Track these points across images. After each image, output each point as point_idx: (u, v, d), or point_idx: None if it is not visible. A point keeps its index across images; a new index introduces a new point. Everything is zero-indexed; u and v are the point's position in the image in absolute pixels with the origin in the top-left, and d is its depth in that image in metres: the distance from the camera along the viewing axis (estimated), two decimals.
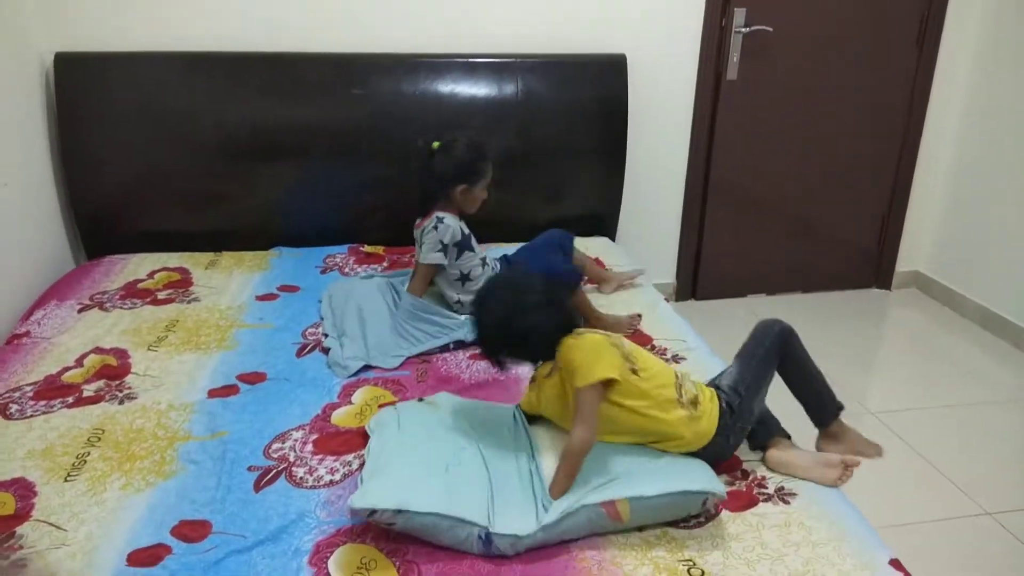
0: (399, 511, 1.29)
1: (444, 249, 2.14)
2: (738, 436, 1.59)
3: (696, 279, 3.41)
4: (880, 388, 2.84)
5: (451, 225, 2.14)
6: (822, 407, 1.68)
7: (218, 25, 2.68)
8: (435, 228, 2.13)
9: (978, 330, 3.22)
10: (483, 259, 2.25)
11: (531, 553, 1.33)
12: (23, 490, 1.48)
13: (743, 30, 3.01)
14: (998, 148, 3.14)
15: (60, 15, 2.57)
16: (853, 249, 3.53)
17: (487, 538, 1.30)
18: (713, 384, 1.62)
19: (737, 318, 3.22)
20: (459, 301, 2.19)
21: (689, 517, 1.41)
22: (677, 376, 1.56)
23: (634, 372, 1.47)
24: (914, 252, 3.55)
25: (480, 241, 2.83)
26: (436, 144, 2.17)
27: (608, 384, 1.43)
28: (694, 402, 1.52)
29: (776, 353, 1.62)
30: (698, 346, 2.09)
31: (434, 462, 1.43)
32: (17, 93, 2.45)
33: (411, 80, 2.78)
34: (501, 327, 1.51)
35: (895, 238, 3.50)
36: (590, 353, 1.45)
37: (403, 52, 2.80)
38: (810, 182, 3.34)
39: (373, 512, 1.30)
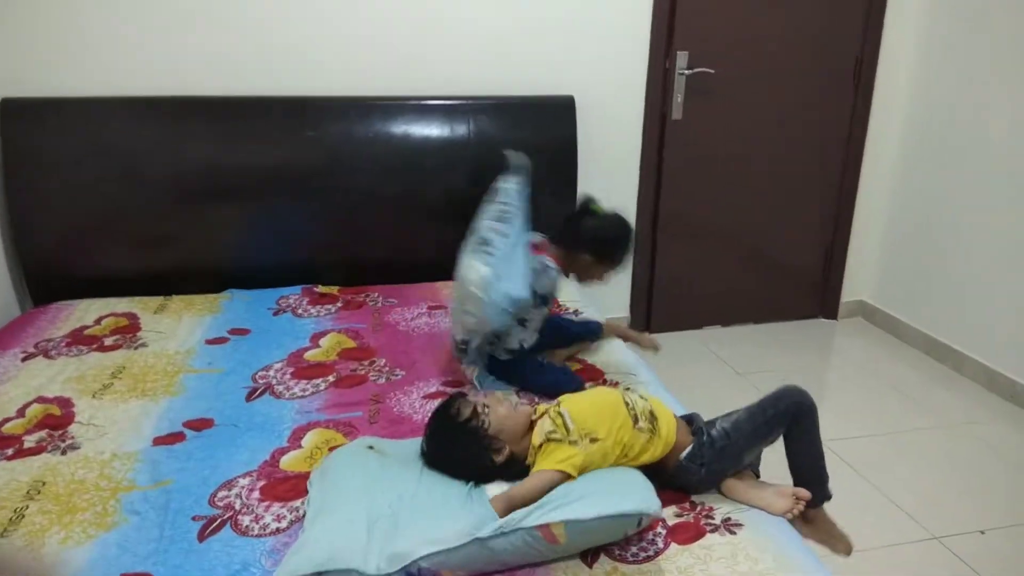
0: (319, 573, 1.26)
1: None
2: (714, 475, 1.60)
3: (649, 312, 3.47)
4: (827, 416, 2.87)
5: (553, 279, 2.01)
6: (817, 490, 1.63)
7: (167, 68, 2.69)
8: (534, 270, 1.92)
9: (922, 357, 3.32)
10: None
11: None
12: None
13: (686, 72, 3.11)
14: (937, 179, 3.27)
15: (5, 61, 2.55)
16: (800, 280, 3.62)
17: (414, 573, 1.29)
18: (711, 422, 1.65)
19: (690, 350, 3.28)
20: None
21: (638, 552, 1.42)
22: (626, 402, 1.59)
23: (593, 441, 1.51)
24: (858, 282, 3.66)
25: (434, 280, 2.88)
26: (595, 206, 2.07)
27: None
28: (649, 417, 1.57)
29: (787, 419, 1.61)
30: (650, 380, 2.12)
31: (371, 509, 1.42)
32: None
33: (364, 122, 2.81)
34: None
35: (839, 269, 3.61)
36: (549, 455, 1.50)
37: (355, 95, 2.83)
38: (756, 216, 3.44)
39: None
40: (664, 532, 1.48)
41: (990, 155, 2.99)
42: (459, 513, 1.40)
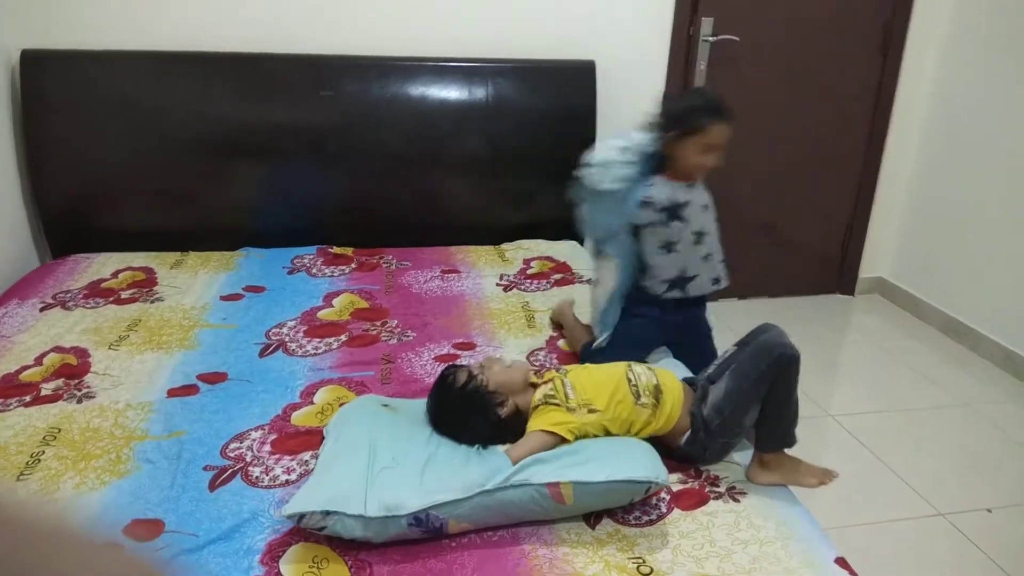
0: (327, 512, 1.29)
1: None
2: (720, 449, 1.60)
3: None
4: (841, 392, 2.89)
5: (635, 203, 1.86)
6: (778, 435, 1.59)
7: (189, 24, 2.68)
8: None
9: (938, 335, 3.29)
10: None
11: (483, 550, 1.34)
12: None
13: (710, 39, 3.05)
14: (960, 158, 3.21)
15: (27, 12, 2.55)
16: (818, 255, 3.58)
17: (422, 519, 1.31)
18: (700, 382, 1.63)
19: None
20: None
21: (640, 515, 1.44)
22: (629, 378, 1.58)
23: (592, 411, 1.51)
24: (877, 259, 3.61)
25: (448, 244, 2.88)
26: None
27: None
28: (654, 392, 1.56)
29: (772, 376, 1.55)
30: (660, 349, 2.11)
31: (376, 458, 1.44)
32: None
33: (381, 83, 2.80)
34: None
35: (859, 244, 3.56)
36: (544, 416, 1.51)
37: (374, 55, 2.81)
38: (776, 188, 3.39)
39: (302, 517, 1.30)
40: (668, 498, 1.50)
41: (1015, 134, 2.92)
42: (468, 467, 1.41)
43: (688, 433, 1.57)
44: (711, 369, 1.66)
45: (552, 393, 1.54)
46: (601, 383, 1.57)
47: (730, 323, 3.30)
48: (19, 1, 2.53)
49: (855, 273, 3.62)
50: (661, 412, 1.56)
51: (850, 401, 2.77)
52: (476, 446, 1.50)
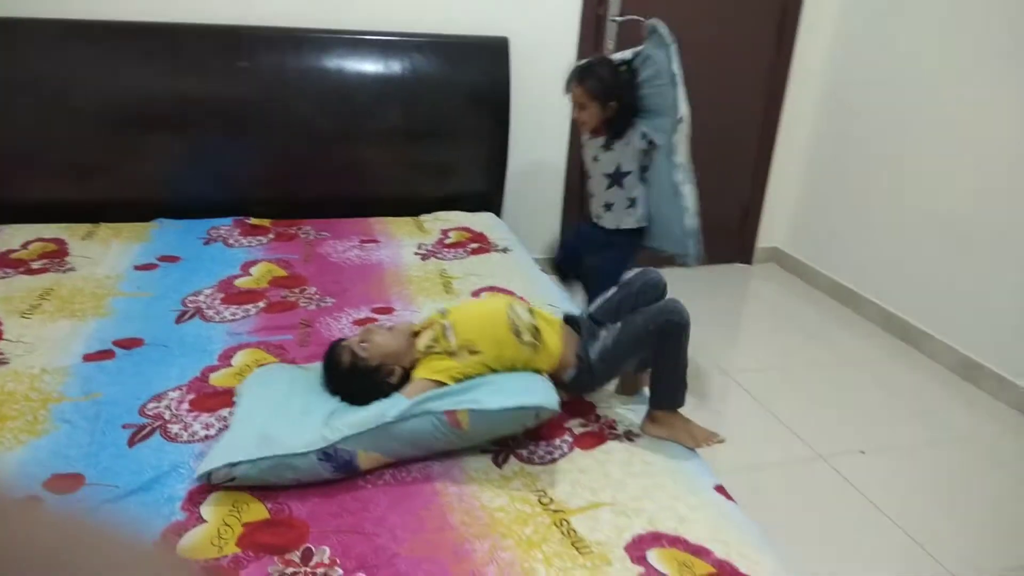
0: (232, 464, 1.37)
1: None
2: (601, 383, 1.75)
3: None
4: (736, 351, 3.11)
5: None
6: (667, 397, 1.68)
7: None
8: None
9: (827, 299, 3.56)
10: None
11: (396, 488, 1.44)
12: None
13: (618, 19, 3.19)
14: (848, 136, 3.47)
15: None
16: (719, 227, 3.79)
17: (331, 454, 1.40)
18: (584, 322, 1.76)
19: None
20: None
21: (544, 455, 1.56)
22: (509, 314, 1.65)
23: (473, 353, 1.59)
24: (773, 230, 3.86)
25: (368, 216, 2.94)
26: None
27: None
28: (534, 333, 1.65)
29: (661, 339, 1.63)
30: (569, 308, 2.24)
31: (290, 404, 1.52)
32: None
33: (297, 55, 2.82)
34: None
35: (756, 217, 3.80)
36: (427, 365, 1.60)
37: (290, 26, 2.83)
38: None
39: (209, 475, 1.37)
40: (571, 440, 1.63)
41: (901, 110, 3.18)
42: (370, 407, 1.50)
43: (574, 371, 1.69)
44: (594, 308, 1.80)
45: (431, 344, 1.62)
46: (484, 322, 1.65)
47: None
48: None
49: (752, 243, 3.86)
50: (544, 351, 1.65)
51: (743, 359, 2.99)
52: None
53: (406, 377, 1.62)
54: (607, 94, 2.30)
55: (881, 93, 3.26)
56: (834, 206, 3.57)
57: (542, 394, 1.53)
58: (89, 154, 2.68)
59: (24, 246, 2.43)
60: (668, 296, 1.77)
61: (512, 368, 1.63)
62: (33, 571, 0.36)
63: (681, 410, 1.70)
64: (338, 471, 1.42)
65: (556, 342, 1.69)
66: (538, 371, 1.64)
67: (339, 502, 1.40)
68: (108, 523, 0.42)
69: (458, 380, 1.57)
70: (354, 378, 1.60)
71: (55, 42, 2.59)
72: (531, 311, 1.72)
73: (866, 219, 3.38)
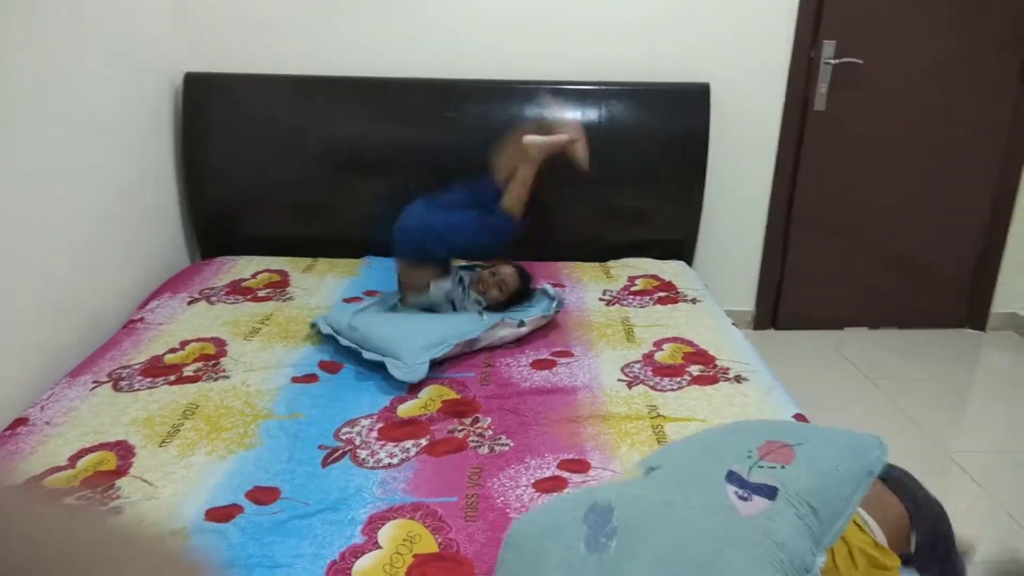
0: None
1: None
2: None
3: (777, 308, 3.39)
4: (962, 429, 2.73)
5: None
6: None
7: (330, 51, 2.93)
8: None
9: None
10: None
11: None
12: (124, 451, 1.69)
13: (832, 62, 3.01)
14: None
15: (191, 38, 2.88)
16: (946, 286, 3.40)
17: None
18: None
19: (816, 349, 3.18)
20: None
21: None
22: None
23: None
24: (1012, 293, 3.38)
25: (556, 260, 2.97)
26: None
27: None
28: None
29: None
30: (761, 369, 2.10)
31: None
32: (151, 108, 2.76)
33: (501, 105, 2.94)
34: None
35: (991, 277, 3.35)
36: None
37: (497, 79, 2.96)
38: (902, 215, 3.26)
39: None
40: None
41: None
42: None
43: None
44: None
45: None
46: None
47: (844, 352, 3.18)
48: (185, 29, 2.87)
49: (987, 307, 3.40)
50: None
51: (968, 438, 2.61)
52: None
53: None
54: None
55: None
56: None
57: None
58: (312, 195, 2.96)
59: (254, 276, 2.72)
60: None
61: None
62: (36, 567, 0.37)
63: None
64: None
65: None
66: None
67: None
68: (108, 521, 0.43)
69: None
70: None
71: (289, 95, 2.91)
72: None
73: None
